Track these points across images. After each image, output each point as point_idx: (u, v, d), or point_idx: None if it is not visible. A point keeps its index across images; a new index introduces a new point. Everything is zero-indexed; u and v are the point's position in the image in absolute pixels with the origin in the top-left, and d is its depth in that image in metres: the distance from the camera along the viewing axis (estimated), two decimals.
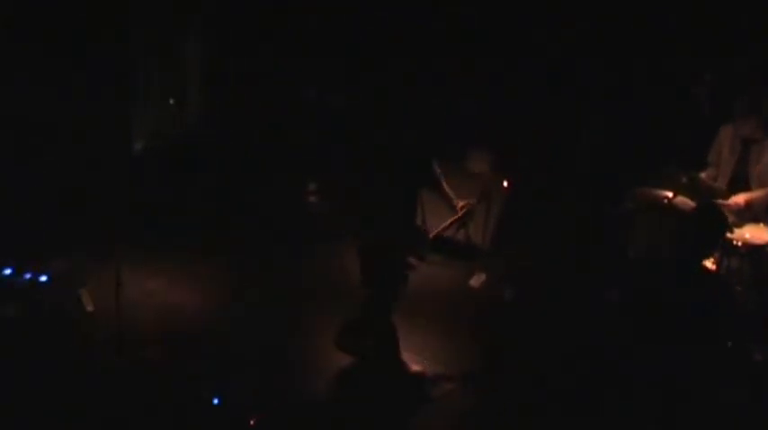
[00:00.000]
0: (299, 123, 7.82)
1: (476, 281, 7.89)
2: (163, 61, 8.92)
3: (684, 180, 7.30)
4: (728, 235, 6.61)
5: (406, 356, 6.54)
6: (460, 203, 6.28)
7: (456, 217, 6.18)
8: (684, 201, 7.36)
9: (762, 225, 7.20)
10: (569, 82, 8.37)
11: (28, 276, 7.24)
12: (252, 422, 5.79)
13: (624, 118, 8.33)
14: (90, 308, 6.98)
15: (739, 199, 7.17)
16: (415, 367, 6.56)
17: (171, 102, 8.73)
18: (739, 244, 7.02)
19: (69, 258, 7.58)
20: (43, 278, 7.28)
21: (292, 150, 8.01)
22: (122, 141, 8.60)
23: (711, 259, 6.84)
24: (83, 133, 8.11)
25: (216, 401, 5.99)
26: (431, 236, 6.25)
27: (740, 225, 7.12)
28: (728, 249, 6.98)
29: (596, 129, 8.51)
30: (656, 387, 5.48)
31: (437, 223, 6.42)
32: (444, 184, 6.29)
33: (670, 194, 7.37)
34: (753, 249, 7.05)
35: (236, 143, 9.06)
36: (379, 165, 6.12)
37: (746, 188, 7.27)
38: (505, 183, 7.78)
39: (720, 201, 7.07)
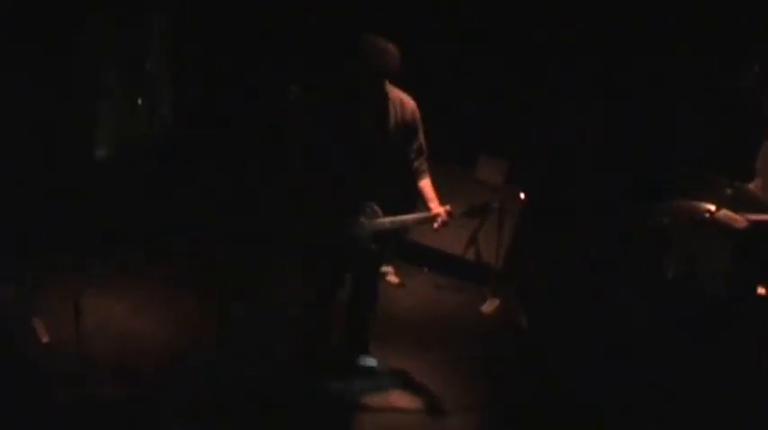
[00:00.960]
0: (285, 119, 6.96)
1: (488, 306, 7.35)
2: (125, 58, 8.34)
3: (729, 191, 6.46)
4: None
5: (403, 396, 6.10)
6: (440, 208, 5.60)
7: (425, 216, 5.62)
8: (729, 216, 6.53)
9: None
10: (582, 78, 7.78)
11: None
12: None
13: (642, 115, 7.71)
14: (45, 339, 6.30)
15: None
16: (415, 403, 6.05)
17: (139, 102, 8.12)
18: None
19: (19, 283, 6.87)
20: None
21: (278, 148, 7.28)
22: (84, 147, 8.04)
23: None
24: (38, 138, 7.54)
25: None
26: (389, 223, 5.67)
27: None
28: None
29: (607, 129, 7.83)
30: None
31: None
32: (428, 182, 5.73)
33: (712, 208, 6.54)
34: None
35: (216, 146, 8.51)
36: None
37: None
38: (522, 196, 7.23)
39: None
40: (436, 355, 6.57)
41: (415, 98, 5.71)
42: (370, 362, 6.23)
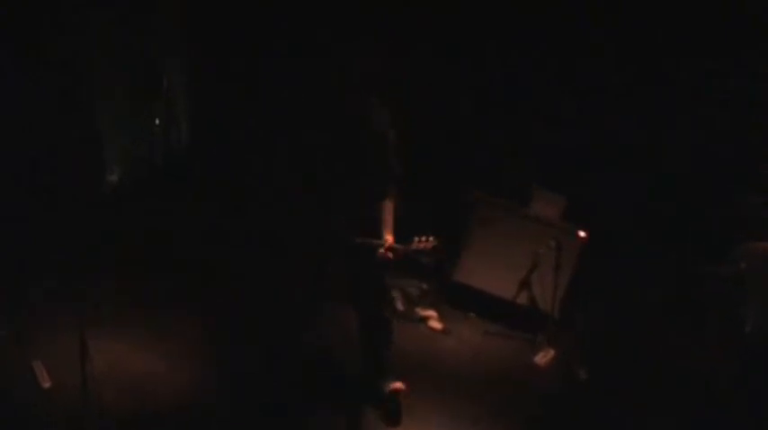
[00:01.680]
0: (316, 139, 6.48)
1: (542, 357, 6.97)
2: (135, 71, 7.97)
3: None
4: None
5: None
6: (416, 242, 5.51)
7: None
8: None
9: None
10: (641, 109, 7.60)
11: None
12: None
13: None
14: (46, 384, 6.02)
15: None
16: None
17: (156, 122, 7.76)
18: None
19: (17, 319, 6.58)
20: None
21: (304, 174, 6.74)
22: (91, 172, 7.69)
23: None
24: (42, 158, 7.22)
25: None
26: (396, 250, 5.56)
27: None
28: None
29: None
30: None
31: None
32: (392, 208, 5.63)
33: None
34: None
35: (237, 169, 8.17)
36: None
37: None
38: (581, 234, 7.07)
39: None
40: (483, 410, 6.31)
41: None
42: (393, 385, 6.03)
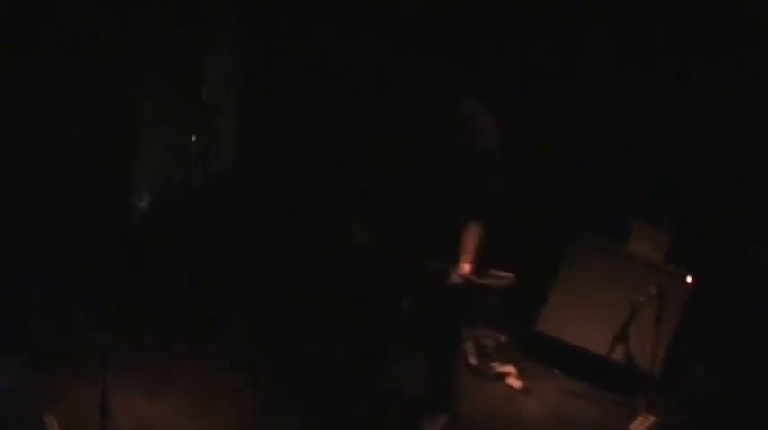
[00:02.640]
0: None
1: (639, 424, 6.50)
2: (175, 81, 7.54)
3: None
4: None
5: None
6: (466, 265, 5.16)
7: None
8: None
9: None
10: None
11: None
12: None
13: None
14: None
15: None
16: None
17: (192, 139, 7.34)
18: None
19: (31, 365, 6.27)
20: None
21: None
22: (121, 197, 7.24)
23: None
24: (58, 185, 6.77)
25: None
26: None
27: None
28: None
29: None
30: None
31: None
32: (478, 234, 5.24)
33: None
34: None
35: (289, 197, 7.75)
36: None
37: None
38: (689, 279, 6.70)
39: None
40: None
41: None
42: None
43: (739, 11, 6.91)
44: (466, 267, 5.13)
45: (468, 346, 6.98)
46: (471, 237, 5.22)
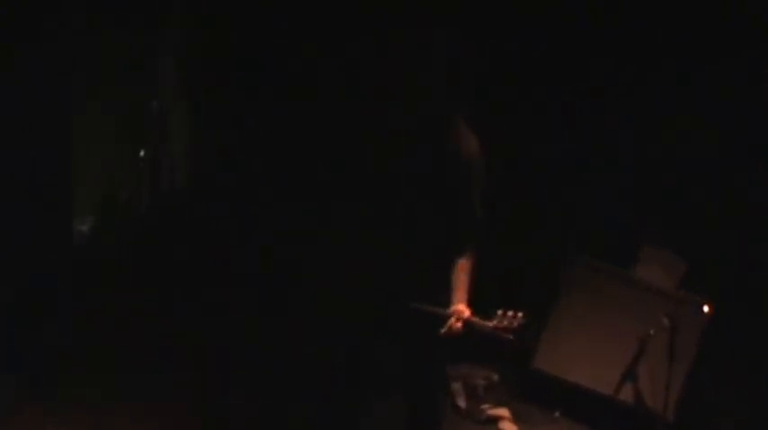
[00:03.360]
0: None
1: None
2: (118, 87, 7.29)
3: None
4: None
5: None
6: (461, 307, 4.83)
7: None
8: None
9: None
10: None
11: None
12: None
13: None
14: None
15: None
16: None
17: (141, 154, 7.08)
18: None
19: None
20: None
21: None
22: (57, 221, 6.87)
23: None
24: None
25: None
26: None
27: None
28: None
29: None
30: None
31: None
32: (469, 268, 4.98)
33: None
34: None
35: (253, 215, 7.42)
36: None
37: None
38: (705, 309, 6.37)
39: None
40: None
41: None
42: None
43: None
44: (462, 308, 4.84)
45: (457, 387, 6.76)
46: (464, 273, 4.96)
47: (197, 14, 7.62)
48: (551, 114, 7.47)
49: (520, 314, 4.79)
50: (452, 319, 4.80)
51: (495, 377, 6.87)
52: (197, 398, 6.41)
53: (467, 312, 4.80)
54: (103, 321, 6.84)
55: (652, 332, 6.18)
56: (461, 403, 6.72)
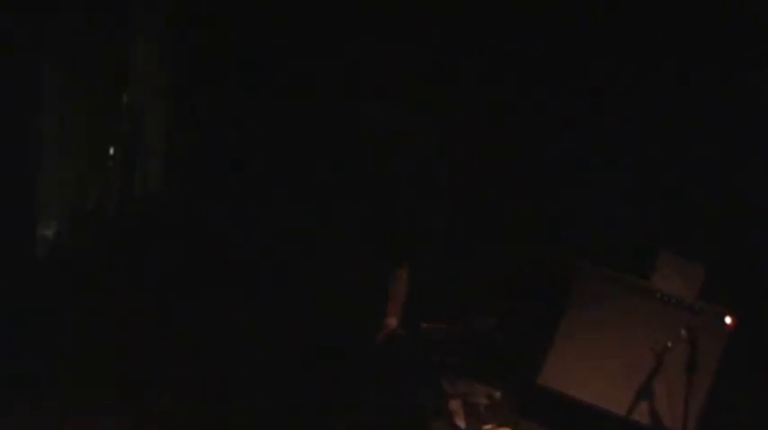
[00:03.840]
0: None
1: None
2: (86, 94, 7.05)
3: None
4: None
5: None
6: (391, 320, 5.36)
7: None
8: None
9: None
10: None
11: None
12: None
13: None
14: None
15: None
16: None
17: (109, 163, 6.94)
18: None
19: None
20: None
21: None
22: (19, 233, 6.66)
23: None
24: None
25: None
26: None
27: None
28: None
29: None
30: None
31: None
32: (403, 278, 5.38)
33: None
34: None
35: (233, 219, 7.22)
36: None
37: None
38: (728, 321, 6.14)
39: None
40: None
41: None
42: None
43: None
44: (391, 321, 5.17)
45: (455, 405, 6.39)
46: (399, 285, 5.26)
47: (183, 12, 7.40)
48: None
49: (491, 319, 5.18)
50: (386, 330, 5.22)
51: (498, 395, 6.50)
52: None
53: (392, 324, 5.29)
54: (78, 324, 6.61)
55: (669, 345, 5.96)
56: (460, 423, 6.39)
